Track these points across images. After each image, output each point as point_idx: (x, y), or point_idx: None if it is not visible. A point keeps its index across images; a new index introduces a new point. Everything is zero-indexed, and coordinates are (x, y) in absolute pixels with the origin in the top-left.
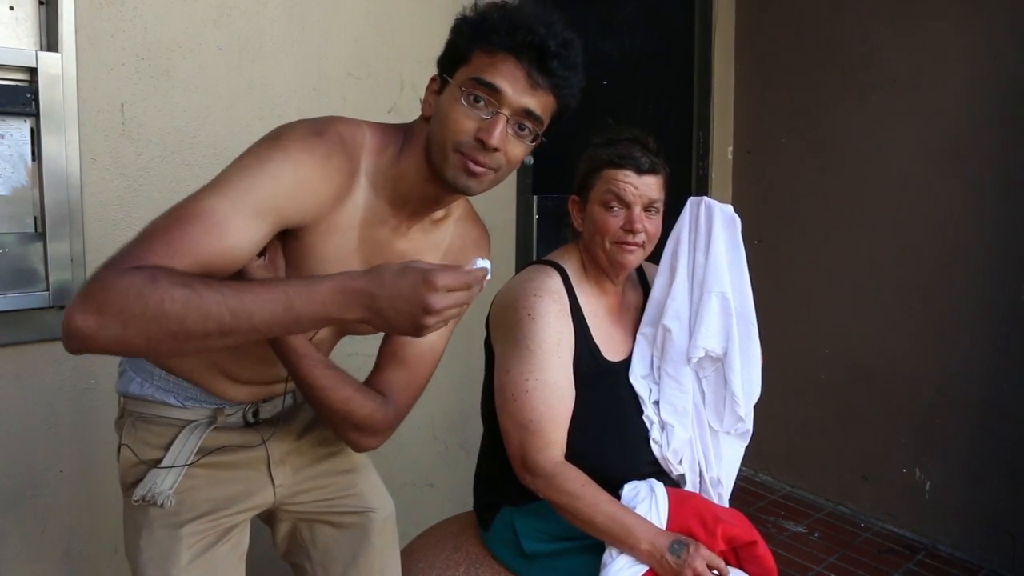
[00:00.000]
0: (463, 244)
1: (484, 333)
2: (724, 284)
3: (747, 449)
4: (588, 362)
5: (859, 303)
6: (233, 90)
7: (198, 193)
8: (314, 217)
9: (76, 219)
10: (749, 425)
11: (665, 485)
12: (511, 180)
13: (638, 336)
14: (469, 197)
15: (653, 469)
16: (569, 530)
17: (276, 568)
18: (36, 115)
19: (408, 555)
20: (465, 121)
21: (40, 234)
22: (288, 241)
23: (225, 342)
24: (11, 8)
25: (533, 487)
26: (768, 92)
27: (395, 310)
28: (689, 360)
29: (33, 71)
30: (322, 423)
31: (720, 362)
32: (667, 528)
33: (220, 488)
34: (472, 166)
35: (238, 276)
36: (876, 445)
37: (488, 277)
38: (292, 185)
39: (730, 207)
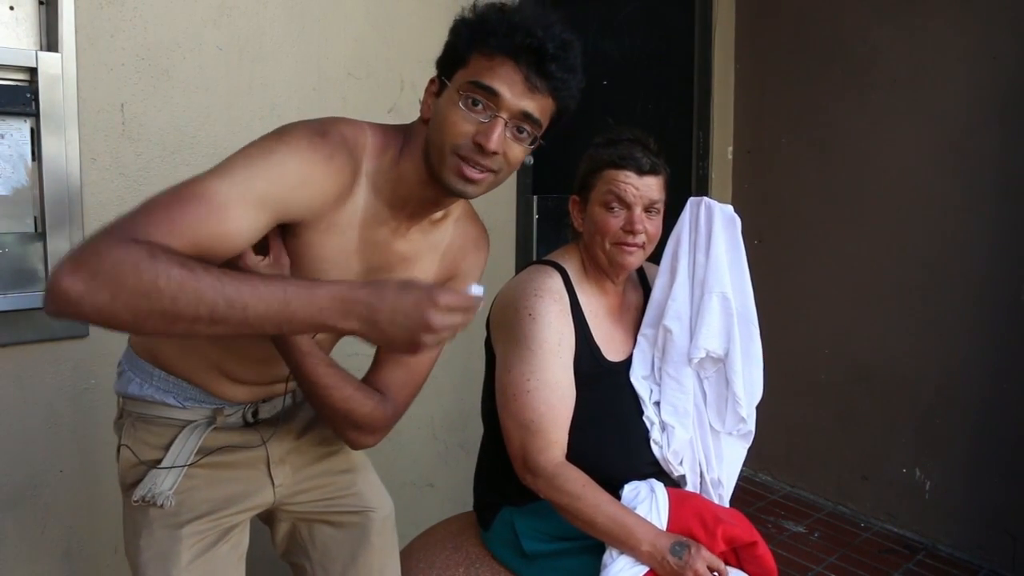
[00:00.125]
0: (463, 244)
1: (484, 333)
2: (725, 284)
3: (747, 449)
4: (589, 362)
5: (859, 303)
6: (233, 90)
7: (203, 175)
8: (314, 214)
9: (76, 219)
10: (751, 426)
11: (665, 485)
12: (511, 180)
13: (639, 337)
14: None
15: (653, 470)
16: (569, 530)
17: (276, 568)
18: (36, 115)
19: (408, 555)
20: (463, 124)
21: (40, 234)
22: (287, 239)
23: (214, 330)
24: (11, 8)
25: (534, 487)
26: (768, 92)
27: (394, 324)
28: (690, 361)
29: (33, 71)
30: (321, 422)
31: (721, 363)
32: (667, 528)
33: (220, 488)
34: (469, 172)
35: (230, 265)
36: (876, 445)
37: (481, 305)
38: (295, 179)
39: (730, 207)
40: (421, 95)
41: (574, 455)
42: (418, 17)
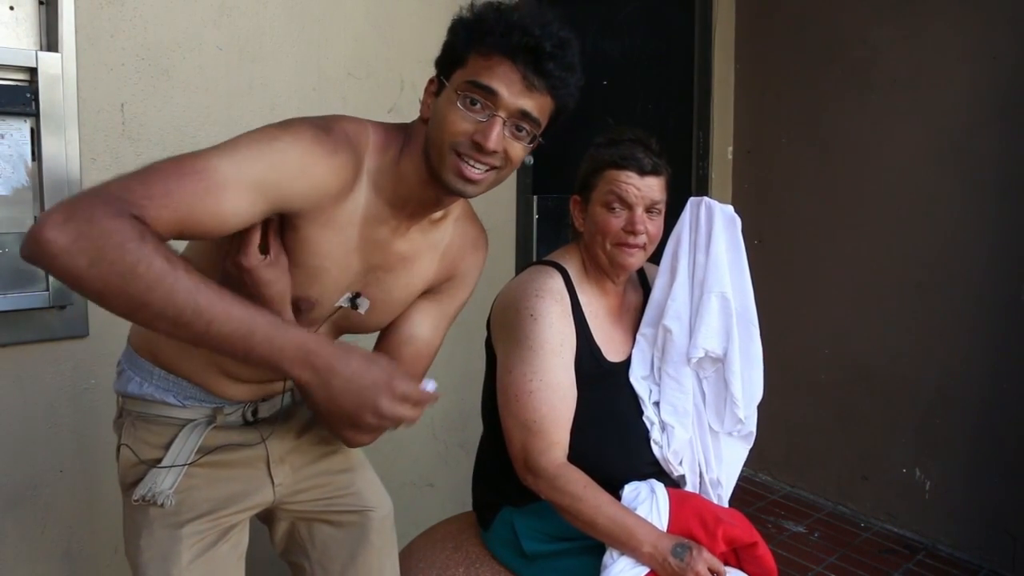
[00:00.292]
0: (462, 244)
1: (485, 333)
2: (724, 284)
3: (749, 449)
4: (589, 363)
5: (859, 303)
6: (233, 90)
7: (206, 151)
8: (312, 206)
9: None
10: (751, 427)
11: (665, 486)
12: (511, 180)
13: (638, 336)
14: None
15: (653, 470)
16: (569, 531)
17: (275, 568)
18: (36, 115)
19: (408, 555)
20: (462, 123)
21: None
22: (287, 234)
23: (173, 332)
24: (11, 8)
25: (535, 488)
26: (768, 92)
27: (346, 393)
28: (689, 361)
29: (33, 71)
30: (319, 421)
31: (720, 363)
32: (668, 529)
33: (220, 487)
34: (469, 171)
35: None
36: (876, 445)
37: (435, 401)
38: (295, 168)
39: (730, 207)
40: (421, 95)
41: (574, 455)
42: (418, 17)
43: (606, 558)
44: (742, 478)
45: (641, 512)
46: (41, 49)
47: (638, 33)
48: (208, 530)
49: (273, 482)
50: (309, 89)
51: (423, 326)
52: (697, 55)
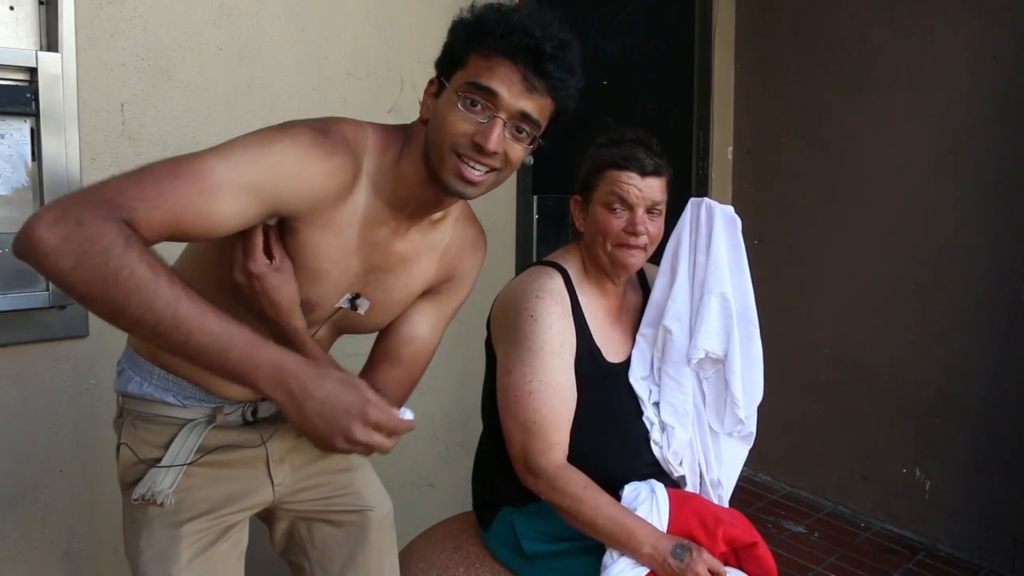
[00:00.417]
0: (461, 245)
1: (485, 334)
2: (725, 285)
3: (749, 449)
4: (589, 363)
5: (859, 303)
6: (233, 90)
7: (203, 152)
8: (309, 208)
9: None
10: (751, 427)
11: (665, 486)
12: (511, 180)
13: (638, 337)
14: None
15: (653, 470)
16: (569, 531)
17: (275, 567)
18: (36, 115)
19: (408, 555)
20: (462, 125)
21: None
22: (286, 237)
23: (155, 341)
24: (11, 8)
25: (535, 489)
26: (768, 92)
27: (319, 416)
28: (689, 361)
29: (33, 71)
30: None
31: (721, 363)
32: (668, 530)
33: (219, 487)
34: (469, 172)
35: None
36: (876, 445)
37: (412, 429)
38: (294, 171)
39: (731, 208)
40: (421, 95)
41: (574, 456)
42: (418, 17)
43: (606, 558)
44: (742, 478)
45: (641, 512)
46: (41, 49)
47: (638, 33)
48: (207, 529)
49: (273, 482)
50: (309, 89)
51: (422, 326)
52: (697, 55)
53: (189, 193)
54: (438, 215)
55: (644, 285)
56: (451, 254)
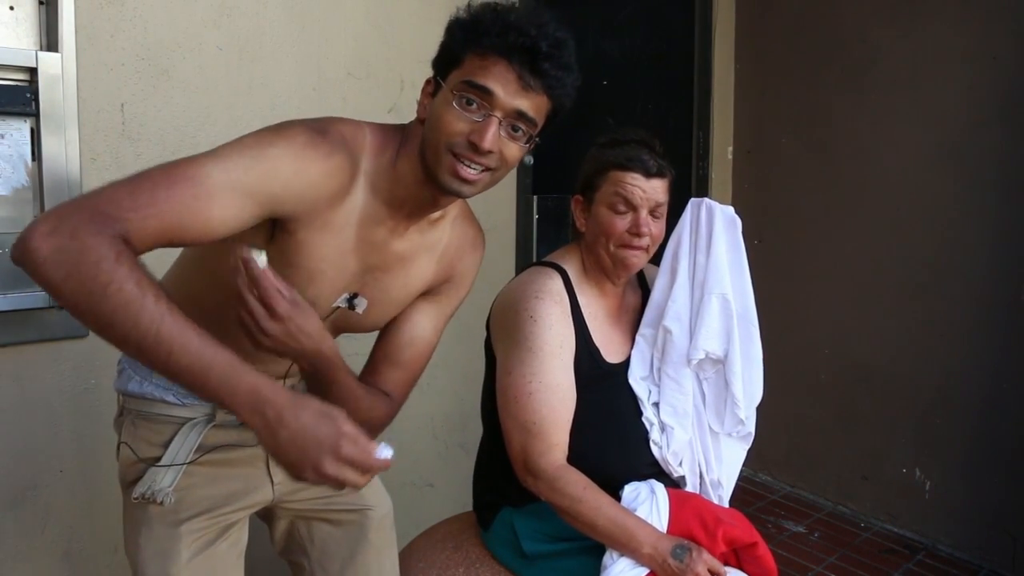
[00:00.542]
0: (459, 245)
1: (484, 334)
2: (725, 285)
3: (747, 449)
4: (588, 364)
5: (859, 303)
6: (233, 90)
7: (198, 156)
8: (307, 210)
9: None
10: (751, 428)
11: (665, 486)
12: (511, 180)
13: (637, 337)
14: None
15: (653, 470)
16: (569, 531)
17: (275, 566)
18: (36, 115)
19: (408, 555)
20: (457, 123)
21: None
22: (283, 238)
23: (139, 357)
24: (11, 8)
25: (535, 490)
26: (768, 92)
27: (292, 444)
28: (689, 362)
29: (33, 71)
30: None
31: (721, 364)
32: (668, 530)
33: (219, 486)
34: (465, 171)
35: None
36: (876, 445)
37: (388, 467)
38: (290, 173)
39: (731, 208)
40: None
41: (574, 456)
42: (418, 17)
43: (606, 559)
44: (742, 478)
45: (641, 513)
46: (41, 49)
47: (638, 33)
48: (207, 528)
49: (272, 480)
50: (309, 89)
51: (422, 327)
52: (697, 55)
53: (185, 199)
54: (436, 215)
55: (643, 285)
56: (450, 254)
